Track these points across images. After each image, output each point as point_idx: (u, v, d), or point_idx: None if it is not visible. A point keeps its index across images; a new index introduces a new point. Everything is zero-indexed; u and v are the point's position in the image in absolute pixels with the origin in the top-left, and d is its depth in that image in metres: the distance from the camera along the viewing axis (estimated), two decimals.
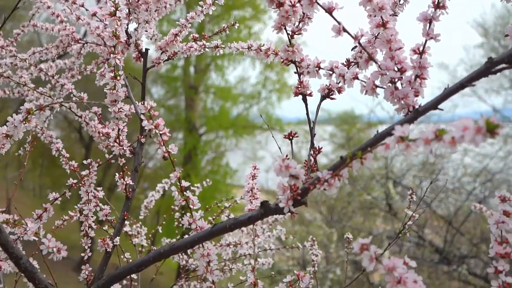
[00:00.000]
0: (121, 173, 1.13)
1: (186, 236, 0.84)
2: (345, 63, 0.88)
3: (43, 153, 9.85)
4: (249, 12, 10.52)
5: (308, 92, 0.91)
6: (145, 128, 0.82)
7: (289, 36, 0.86)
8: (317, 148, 0.87)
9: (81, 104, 1.30)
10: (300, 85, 0.91)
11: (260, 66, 10.63)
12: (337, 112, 10.34)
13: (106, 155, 1.17)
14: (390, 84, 0.76)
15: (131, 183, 1.14)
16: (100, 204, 1.18)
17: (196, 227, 0.83)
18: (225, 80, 10.92)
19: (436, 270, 6.13)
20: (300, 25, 0.87)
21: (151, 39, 1.28)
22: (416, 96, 0.74)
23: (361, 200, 7.09)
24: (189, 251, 1.77)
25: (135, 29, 1.23)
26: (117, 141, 1.12)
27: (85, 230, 1.10)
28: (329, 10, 0.76)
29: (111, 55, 1.02)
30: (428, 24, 0.74)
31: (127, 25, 1.22)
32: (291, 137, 0.92)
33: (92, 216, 1.12)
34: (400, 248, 6.28)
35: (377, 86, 0.79)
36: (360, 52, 0.84)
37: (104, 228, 1.18)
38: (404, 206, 1.53)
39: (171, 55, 1.28)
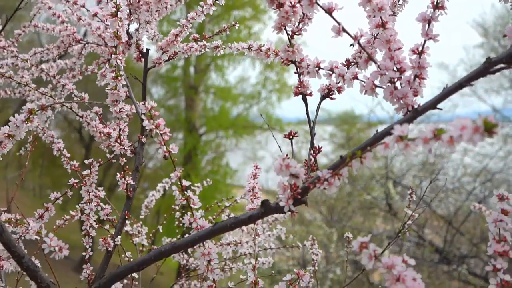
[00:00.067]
0: (122, 172, 1.13)
1: (187, 235, 0.85)
2: (344, 63, 0.88)
3: (43, 153, 9.87)
4: (249, 12, 10.53)
5: (308, 92, 0.92)
6: (146, 128, 0.82)
7: (289, 36, 0.87)
8: (317, 148, 0.87)
9: (82, 104, 1.30)
10: (300, 85, 0.91)
11: (260, 66, 10.65)
12: (337, 112, 10.36)
13: (107, 155, 1.18)
14: (389, 84, 0.77)
15: (132, 182, 1.15)
16: (101, 204, 1.18)
17: (197, 226, 0.84)
18: (225, 80, 10.94)
19: (436, 270, 6.14)
20: (300, 25, 0.88)
21: (152, 39, 1.28)
22: (415, 95, 0.75)
23: (361, 200, 7.09)
24: (189, 250, 1.77)
25: (136, 30, 1.24)
26: (118, 141, 1.12)
27: (86, 229, 1.10)
28: (329, 11, 0.76)
29: (112, 55, 1.02)
30: (427, 25, 0.75)
31: (128, 25, 1.23)
32: (291, 137, 0.93)
33: (93, 216, 1.13)
34: (400, 248, 6.28)
35: (376, 86, 0.80)
36: (360, 52, 0.85)
37: (105, 227, 1.19)
38: (404, 206, 1.54)
39: (172, 55, 1.29)
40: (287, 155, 0.69)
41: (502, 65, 0.66)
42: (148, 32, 1.26)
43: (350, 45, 0.86)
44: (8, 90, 1.64)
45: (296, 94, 0.92)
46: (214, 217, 1.78)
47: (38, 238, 0.89)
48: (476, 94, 8.13)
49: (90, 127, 1.23)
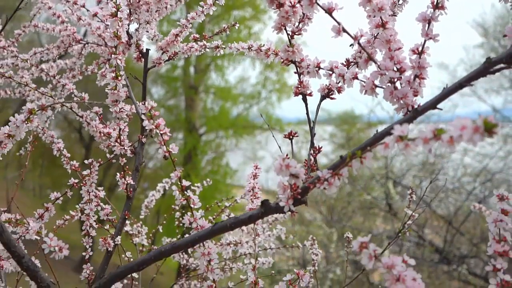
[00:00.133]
0: (122, 172, 1.13)
1: (187, 235, 0.85)
2: (344, 63, 0.88)
3: (43, 153, 9.87)
4: (249, 12, 10.54)
5: (308, 92, 0.92)
6: (146, 128, 0.82)
7: (289, 36, 0.87)
8: (317, 148, 0.87)
9: (82, 104, 1.30)
10: (300, 85, 0.91)
11: (260, 66, 10.65)
12: (337, 112, 10.36)
13: (107, 155, 1.18)
14: (389, 84, 0.77)
15: (132, 182, 1.15)
16: (101, 204, 1.18)
17: (197, 226, 0.84)
18: (225, 80, 10.94)
19: (436, 270, 6.14)
20: (300, 25, 0.88)
21: (152, 39, 1.28)
22: (415, 95, 0.75)
23: (361, 200, 7.10)
24: (189, 250, 1.77)
25: (136, 30, 1.24)
26: (118, 141, 1.12)
27: (86, 229, 1.10)
28: (329, 11, 0.76)
29: (113, 55, 1.02)
30: (427, 25, 0.75)
31: (128, 25, 1.23)
32: (291, 137, 0.93)
33: (93, 216, 1.13)
34: (400, 248, 6.28)
35: (376, 86, 0.80)
36: (360, 52, 0.85)
37: (105, 227, 1.19)
38: (404, 206, 1.54)
39: (172, 55, 1.29)
40: (287, 155, 0.69)
41: (502, 65, 0.66)
42: (148, 32, 1.26)
43: (350, 45, 0.86)
44: (8, 90, 1.64)
45: (296, 94, 0.92)
46: (214, 217, 1.78)
47: (38, 238, 0.89)
48: (476, 94, 8.13)
49: (90, 127, 1.23)
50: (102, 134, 1.19)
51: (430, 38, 0.75)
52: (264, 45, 1.09)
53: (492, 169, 7.09)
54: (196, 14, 1.24)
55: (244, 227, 1.78)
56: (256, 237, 1.29)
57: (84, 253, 1.13)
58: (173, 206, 1.85)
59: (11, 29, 1.96)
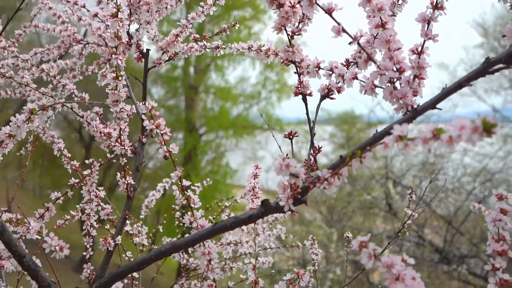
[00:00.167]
0: (122, 172, 1.14)
1: (187, 235, 0.85)
2: (344, 63, 0.88)
3: (43, 153, 9.87)
4: (249, 12, 10.53)
5: (308, 92, 0.92)
6: (147, 128, 0.83)
7: (289, 36, 0.87)
8: (317, 148, 0.87)
9: (83, 104, 1.31)
10: (300, 85, 0.92)
11: (260, 66, 10.65)
12: (337, 112, 10.36)
13: (108, 155, 1.18)
14: (389, 84, 0.77)
15: (132, 182, 1.15)
16: (102, 204, 1.18)
17: (197, 225, 0.84)
18: (225, 80, 10.94)
19: (436, 269, 6.14)
20: (300, 25, 0.88)
21: (152, 39, 1.29)
22: (415, 95, 0.75)
23: (361, 200, 7.10)
24: (189, 250, 1.78)
25: (137, 30, 1.24)
26: (119, 141, 1.13)
27: (87, 229, 1.11)
28: (329, 11, 0.77)
29: (113, 55, 1.03)
30: (426, 25, 0.75)
31: (129, 26, 1.23)
32: (291, 137, 0.93)
33: (94, 216, 1.13)
34: (400, 248, 6.29)
35: (376, 86, 0.80)
36: (359, 52, 0.85)
37: (106, 227, 1.19)
38: (404, 205, 1.54)
39: (172, 55, 1.29)
40: (287, 155, 0.69)
41: (501, 65, 0.66)
42: (148, 32, 1.27)
43: (349, 43, 0.87)
44: (9, 90, 1.64)
45: (296, 94, 0.92)
46: (214, 217, 1.78)
47: (39, 237, 0.90)
48: (476, 94, 8.13)
49: (91, 127, 1.24)
50: (103, 134, 1.20)
51: (430, 39, 0.75)
52: (264, 45, 1.09)
53: (492, 169, 7.10)
54: (197, 14, 1.25)
55: (244, 227, 1.78)
56: (256, 236, 1.29)
57: (84, 253, 1.14)
58: (173, 206, 1.85)
59: (12, 29, 1.96)
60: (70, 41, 1.54)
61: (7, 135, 0.87)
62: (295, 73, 0.92)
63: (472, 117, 0.48)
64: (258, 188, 1.04)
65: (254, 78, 11.28)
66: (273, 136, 1.13)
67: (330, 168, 0.66)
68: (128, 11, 1.19)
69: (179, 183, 0.86)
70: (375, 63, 0.81)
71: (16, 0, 1.57)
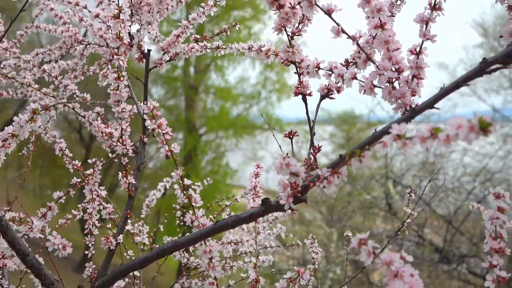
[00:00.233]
0: (124, 172, 1.15)
1: (187, 234, 0.86)
2: (344, 64, 0.89)
3: (43, 153, 9.87)
4: (249, 13, 10.54)
5: (308, 92, 0.93)
6: (148, 127, 0.84)
7: (289, 37, 0.88)
8: (317, 147, 0.88)
9: (84, 104, 1.32)
10: (300, 85, 0.92)
11: (260, 66, 10.65)
12: (337, 112, 10.36)
13: (109, 155, 1.19)
14: (387, 84, 0.78)
15: (133, 182, 1.16)
16: (103, 203, 1.19)
17: (199, 224, 0.85)
18: (225, 80, 10.94)
19: (436, 269, 6.15)
20: (300, 26, 0.89)
21: (153, 40, 1.30)
22: (413, 95, 0.76)
23: (361, 200, 7.11)
24: (190, 249, 1.79)
25: (138, 31, 1.25)
26: (120, 140, 1.14)
27: (89, 228, 1.11)
28: (328, 12, 0.78)
29: (115, 56, 1.03)
30: (424, 26, 0.76)
31: (130, 26, 1.24)
32: (291, 136, 0.94)
33: (95, 215, 1.14)
34: (400, 247, 6.29)
35: (375, 86, 0.81)
36: (359, 52, 0.86)
37: (107, 226, 1.20)
38: (404, 205, 1.55)
39: (173, 56, 1.30)
40: (287, 154, 0.70)
41: (498, 65, 0.67)
42: (149, 33, 1.28)
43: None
44: (10, 91, 1.65)
45: (296, 94, 0.93)
46: (215, 216, 1.79)
47: (42, 236, 0.91)
48: (475, 94, 8.13)
49: (93, 127, 1.24)
50: (104, 134, 1.20)
51: (428, 39, 0.76)
52: (264, 45, 1.10)
53: (491, 169, 7.10)
54: (197, 15, 1.26)
55: (244, 226, 1.79)
56: (257, 235, 1.30)
57: (86, 252, 1.15)
58: (174, 205, 1.86)
59: (12, 30, 1.97)
60: (71, 41, 1.55)
61: (10, 134, 0.88)
62: (295, 73, 0.93)
63: (471, 117, 0.49)
64: (259, 187, 1.05)
65: (254, 78, 11.29)
66: (273, 135, 1.14)
67: (330, 167, 0.67)
68: (130, 12, 1.20)
69: (181, 182, 0.87)
70: (374, 63, 0.82)
71: (16, 0, 1.57)
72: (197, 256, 1.72)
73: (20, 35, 1.66)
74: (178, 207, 1.86)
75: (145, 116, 0.85)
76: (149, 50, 1.30)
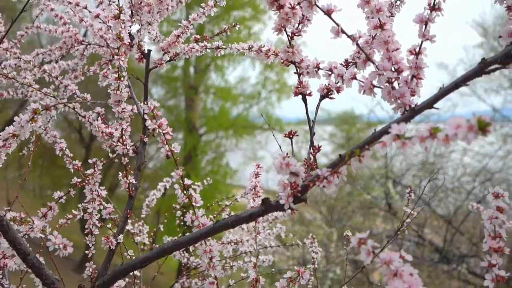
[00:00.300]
0: (124, 172, 1.15)
1: (187, 234, 0.86)
2: (343, 64, 0.90)
3: (43, 153, 9.88)
4: (249, 13, 10.54)
5: (308, 92, 0.93)
6: (149, 127, 0.84)
7: (289, 37, 0.88)
8: (317, 147, 0.89)
9: (84, 105, 1.32)
10: (300, 85, 0.93)
11: (260, 66, 10.66)
12: (336, 112, 10.36)
13: (110, 155, 1.19)
14: (387, 84, 0.78)
15: (134, 182, 1.16)
16: (104, 203, 1.20)
17: (199, 223, 0.86)
18: (225, 80, 10.94)
19: (435, 269, 6.15)
20: (300, 26, 0.89)
21: (154, 40, 1.30)
22: (413, 95, 0.77)
23: (361, 200, 7.11)
24: (190, 249, 1.79)
25: (138, 31, 1.25)
26: (121, 140, 1.14)
27: (89, 228, 1.12)
28: (328, 12, 0.78)
29: (115, 56, 1.04)
30: (424, 26, 0.77)
31: (130, 26, 1.24)
32: (291, 136, 0.94)
33: (96, 215, 1.14)
34: (400, 247, 6.29)
35: (374, 86, 0.81)
36: (358, 53, 0.86)
37: (108, 225, 1.21)
38: (404, 205, 1.55)
39: (173, 56, 1.30)
40: (287, 154, 0.70)
41: (497, 65, 0.67)
42: (150, 33, 1.28)
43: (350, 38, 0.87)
44: (11, 91, 1.66)
45: (296, 94, 0.93)
46: (215, 216, 1.80)
47: (43, 236, 0.91)
48: (475, 93, 8.12)
49: (93, 127, 1.25)
50: (105, 134, 1.21)
51: (427, 39, 0.77)
52: (264, 45, 1.10)
53: (491, 169, 7.10)
54: (197, 15, 1.26)
55: (244, 226, 1.79)
56: (257, 235, 1.31)
57: (87, 251, 1.15)
58: (174, 205, 1.86)
59: (12, 30, 1.97)
60: (72, 42, 1.56)
61: (11, 134, 0.88)
62: (295, 73, 0.93)
63: (471, 117, 0.49)
64: (259, 187, 1.05)
65: (254, 78, 11.29)
66: (273, 135, 1.14)
67: (330, 166, 0.67)
68: (130, 12, 1.21)
69: (181, 182, 0.87)
70: (373, 63, 0.82)
71: (16, 1, 1.57)
72: (197, 255, 1.72)
73: (20, 36, 1.66)
74: (178, 207, 1.86)
75: (145, 116, 0.85)
76: (149, 50, 1.30)
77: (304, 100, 0.93)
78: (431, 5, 0.76)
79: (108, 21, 1.12)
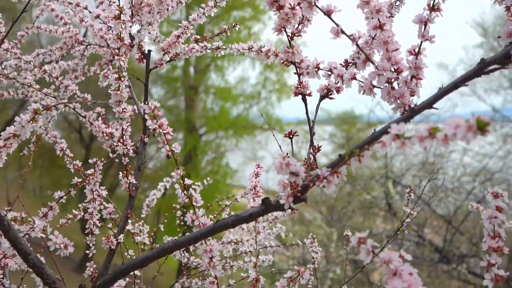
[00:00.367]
0: (124, 172, 1.15)
1: (187, 234, 0.87)
2: (343, 64, 0.90)
3: (43, 154, 9.88)
4: (249, 13, 10.54)
5: (308, 92, 0.94)
6: (150, 127, 0.84)
7: (289, 37, 0.89)
8: (317, 147, 0.89)
9: (84, 105, 1.32)
10: (300, 85, 0.93)
11: (260, 67, 10.66)
12: (336, 112, 10.36)
13: (110, 155, 1.20)
14: (387, 84, 0.79)
15: (134, 182, 1.17)
16: (104, 203, 1.20)
17: (199, 223, 0.86)
18: (225, 80, 10.94)
19: (435, 269, 6.15)
20: (300, 27, 0.90)
21: (154, 40, 1.30)
22: (412, 95, 0.77)
23: (361, 200, 7.11)
24: (190, 249, 1.79)
25: (138, 31, 1.26)
26: (121, 140, 1.14)
27: (90, 227, 1.12)
28: (328, 13, 0.78)
29: (116, 56, 1.04)
30: (423, 26, 0.77)
31: (130, 27, 1.24)
32: (291, 136, 0.94)
33: (96, 215, 1.14)
34: (400, 247, 6.29)
35: (374, 86, 0.82)
36: (358, 53, 0.87)
37: (108, 225, 1.21)
38: (404, 205, 1.56)
39: (173, 56, 1.30)
40: (287, 154, 0.71)
41: (496, 65, 0.68)
42: (150, 33, 1.28)
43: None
44: (11, 91, 1.66)
45: (296, 94, 0.94)
46: (215, 216, 1.80)
47: (44, 235, 0.91)
48: (475, 93, 8.12)
49: (93, 127, 1.25)
50: (105, 134, 1.21)
51: (427, 40, 0.77)
52: (264, 46, 1.10)
53: (491, 169, 7.10)
54: (198, 15, 1.26)
55: (244, 226, 1.79)
56: (257, 235, 1.31)
57: (87, 251, 1.15)
58: (174, 205, 1.86)
59: (12, 31, 1.98)
60: (72, 42, 1.56)
61: (11, 134, 0.89)
62: (295, 73, 0.93)
63: (470, 117, 0.50)
64: (259, 187, 1.05)
65: (254, 78, 11.29)
66: (273, 135, 1.15)
67: (329, 166, 0.68)
68: (130, 12, 1.21)
69: (181, 181, 0.87)
70: (373, 63, 0.82)
71: (17, 1, 1.58)
72: (198, 255, 1.72)
73: (21, 36, 1.66)
74: (178, 207, 1.87)
75: (146, 116, 0.85)
76: (149, 51, 1.31)
77: (304, 100, 0.94)
78: (431, 5, 0.76)
79: (109, 21, 1.12)
